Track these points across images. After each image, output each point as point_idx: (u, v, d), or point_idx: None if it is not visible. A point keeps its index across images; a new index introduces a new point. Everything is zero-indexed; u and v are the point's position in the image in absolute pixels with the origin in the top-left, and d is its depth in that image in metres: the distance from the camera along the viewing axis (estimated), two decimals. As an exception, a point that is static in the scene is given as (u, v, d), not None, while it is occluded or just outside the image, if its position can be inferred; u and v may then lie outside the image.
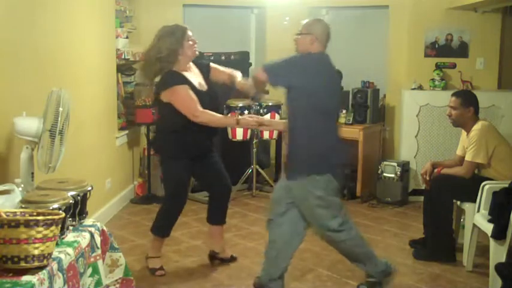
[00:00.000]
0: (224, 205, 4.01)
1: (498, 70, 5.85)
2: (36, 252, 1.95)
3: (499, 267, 3.25)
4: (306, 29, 3.32)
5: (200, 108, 3.60)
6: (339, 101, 3.34)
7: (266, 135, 5.82)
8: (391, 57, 5.98)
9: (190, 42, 3.71)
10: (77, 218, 2.51)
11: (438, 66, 5.77)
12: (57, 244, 2.14)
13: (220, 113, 3.87)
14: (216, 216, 4.01)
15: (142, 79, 5.32)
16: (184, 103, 3.61)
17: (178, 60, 3.68)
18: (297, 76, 3.20)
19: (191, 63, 3.82)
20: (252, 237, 4.63)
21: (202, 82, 3.81)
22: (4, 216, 2.00)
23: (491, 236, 3.53)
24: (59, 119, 2.66)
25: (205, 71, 3.89)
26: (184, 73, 3.71)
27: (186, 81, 3.66)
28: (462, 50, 5.81)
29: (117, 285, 2.74)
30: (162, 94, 3.69)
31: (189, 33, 3.73)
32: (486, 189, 3.82)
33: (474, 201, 3.92)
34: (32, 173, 2.73)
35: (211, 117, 3.64)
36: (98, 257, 2.54)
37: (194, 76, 3.78)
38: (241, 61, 5.99)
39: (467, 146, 4.14)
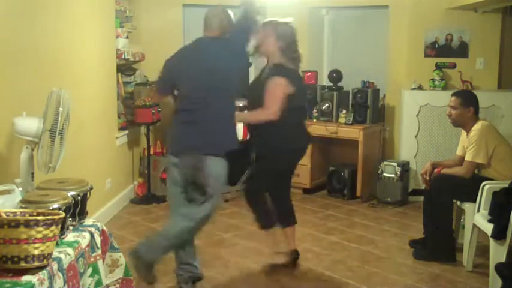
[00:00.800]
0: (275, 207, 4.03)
1: (498, 70, 5.85)
2: (36, 252, 1.95)
3: (499, 267, 3.25)
4: None
5: None
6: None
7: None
8: (391, 57, 5.98)
9: None
10: (77, 218, 2.51)
11: (438, 66, 5.77)
12: (57, 244, 2.14)
13: None
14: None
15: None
16: None
17: None
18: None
19: None
20: (252, 237, 4.63)
21: None
22: (4, 216, 2.00)
23: (491, 236, 3.53)
24: (59, 119, 2.65)
25: None
26: None
27: None
28: (462, 50, 5.81)
29: (117, 285, 2.74)
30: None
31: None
32: (486, 189, 3.82)
33: (474, 201, 3.93)
34: (32, 173, 2.73)
35: None
36: (98, 257, 2.54)
37: None
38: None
39: (467, 146, 4.14)
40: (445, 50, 5.81)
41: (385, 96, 6.06)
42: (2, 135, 2.97)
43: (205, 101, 3.25)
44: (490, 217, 3.62)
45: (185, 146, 3.29)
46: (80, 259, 2.32)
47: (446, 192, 4.09)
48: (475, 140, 4.04)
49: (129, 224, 4.95)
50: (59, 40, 3.81)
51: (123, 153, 5.54)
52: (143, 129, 5.82)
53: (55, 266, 2.07)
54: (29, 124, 2.70)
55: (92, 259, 2.49)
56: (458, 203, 4.17)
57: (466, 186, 4.01)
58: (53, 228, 2.00)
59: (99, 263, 2.54)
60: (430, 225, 4.19)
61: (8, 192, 2.40)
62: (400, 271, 4.01)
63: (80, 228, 2.51)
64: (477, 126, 4.09)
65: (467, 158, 4.07)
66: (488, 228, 3.60)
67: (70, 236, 2.38)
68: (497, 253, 3.50)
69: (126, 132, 5.51)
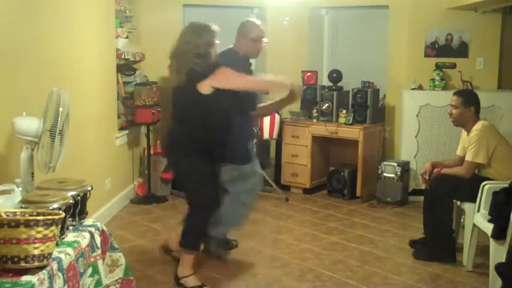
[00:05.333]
0: None
1: (498, 70, 5.85)
2: (36, 252, 1.95)
3: (499, 267, 3.25)
4: None
5: None
6: None
7: (266, 135, 5.84)
8: (391, 57, 5.98)
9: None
10: (77, 218, 2.51)
11: (438, 66, 5.77)
12: (57, 244, 2.14)
13: None
14: None
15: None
16: None
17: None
18: None
19: None
20: (252, 237, 4.63)
21: None
22: (4, 216, 2.00)
23: (491, 236, 3.53)
24: (59, 119, 2.65)
25: None
26: None
27: None
28: (462, 50, 5.81)
29: (117, 285, 2.74)
30: None
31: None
32: (486, 189, 3.82)
33: (474, 201, 3.93)
34: (32, 173, 2.73)
35: None
36: (98, 257, 2.54)
37: None
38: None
39: (467, 146, 4.14)
40: (445, 50, 5.81)
41: (385, 96, 6.06)
42: (2, 135, 2.97)
43: None
44: (490, 217, 3.62)
45: None
46: (80, 259, 2.32)
47: (446, 192, 4.09)
48: (475, 140, 4.04)
49: (129, 224, 4.94)
50: (59, 40, 3.81)
51: (123, 153, 5.54)
52: (143, 129, 5.83)
53: (55, 266, 2.07)
54: (29, 124, 2.70)
55: (92, 259, 2.49)
56: (458, 203, 4.17)
57: (466, 186, 4.01)
58: (53, 228, 2.00)
59: (99, 263, 2.54)
60: (430, 225, 4.20)
61: (8, 192, 2.40)
62: (400, 271, 4.01)
63: (80, 228, 2.51)
64: (477, 126, 4.09)
65: (468, 158, 4.07)
66: (488, 228, 3.60)
67: (70, 236, 2.38)
68: (497, 253, 3.50)
69: (126, 132, 5.51)
